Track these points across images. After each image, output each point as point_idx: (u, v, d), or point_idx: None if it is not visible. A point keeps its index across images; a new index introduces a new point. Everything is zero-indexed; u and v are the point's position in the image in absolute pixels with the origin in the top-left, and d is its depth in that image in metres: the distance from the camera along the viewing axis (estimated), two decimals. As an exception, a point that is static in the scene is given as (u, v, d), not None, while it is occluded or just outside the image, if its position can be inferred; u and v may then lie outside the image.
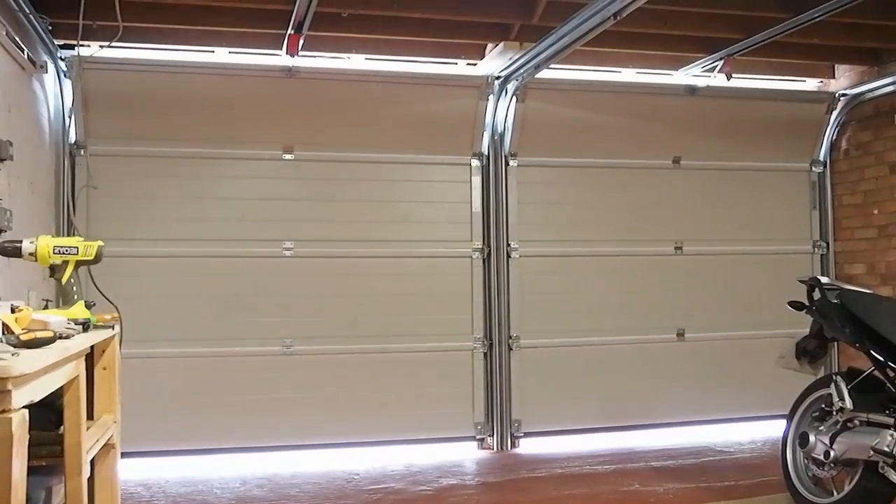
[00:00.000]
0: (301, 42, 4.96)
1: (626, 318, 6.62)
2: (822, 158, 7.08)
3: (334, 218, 6.10)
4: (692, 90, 6.57)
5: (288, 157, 5.97)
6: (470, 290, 6.34)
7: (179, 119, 5.73)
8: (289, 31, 4.93)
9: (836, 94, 6.88)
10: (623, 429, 6.60)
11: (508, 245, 6.36)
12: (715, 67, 6.13)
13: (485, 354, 6.35)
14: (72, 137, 5.48)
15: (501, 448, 6.26)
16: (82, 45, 4.85)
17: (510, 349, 6.35)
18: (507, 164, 6.35)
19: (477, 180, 6.34)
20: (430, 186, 6.31)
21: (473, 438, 6.33)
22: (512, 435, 6.31)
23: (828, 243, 7.11)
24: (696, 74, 6.38)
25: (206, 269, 5.88)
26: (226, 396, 5.88)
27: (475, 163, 6.33)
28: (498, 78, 6.15)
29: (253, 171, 5.97)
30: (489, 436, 6.31)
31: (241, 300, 5.92)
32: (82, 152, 5.52)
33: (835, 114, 6.94)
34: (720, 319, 6.80)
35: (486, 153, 6.35)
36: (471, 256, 6.35)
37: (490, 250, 6.36)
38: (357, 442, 6.20)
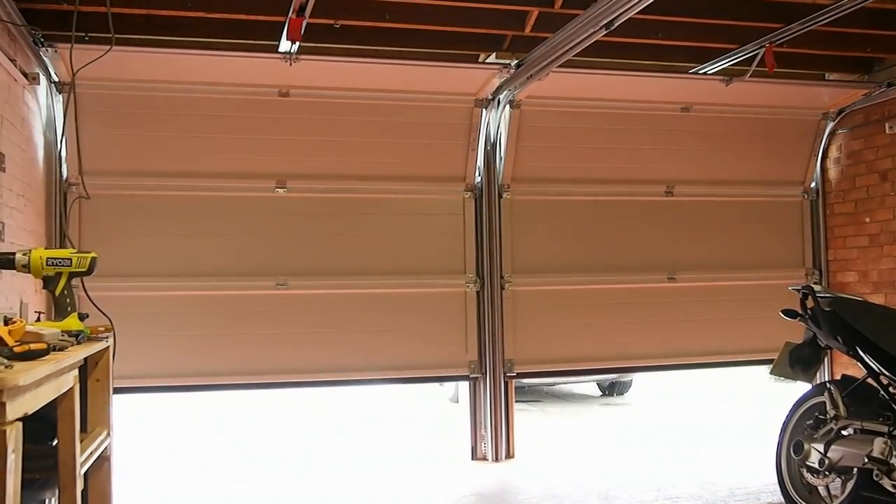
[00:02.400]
0: (304, 26, 4.75)
1: (617, 261, 6.65)
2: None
3: (329, 157, 6.06)
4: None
5: (284, 97, 5.86)
6: (462, 230, 6.36)
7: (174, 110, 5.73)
8: (290, 16, 4.71)
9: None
10: (614, 370, 6.60)
11: (500, 185, 6.36)
12: (752, 58, 5.81)
13: (477, 293, 6.36)
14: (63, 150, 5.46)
15: (497, 457, 6.24)
16: (77, 45, 4.75)
17: (502, 289, 6.35)
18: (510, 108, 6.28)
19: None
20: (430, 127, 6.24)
21: (467, 378, 6.36)
22: (505, 374, 6.32)
23: (818, 191, 7.18)
24: (726, 68, 6.15)
25: (200, 206, 5.86)
26: (218, 333, 5.89)
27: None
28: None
29: (248, 110, 5.86)
30: (481, 375, 6.31)
31: (234, 238, 5.91)
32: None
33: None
34: (711, 263, 6.85)
35: (489, 97, 6.22)
36: (463, 195, 6.36)
37: (482, 189, 6.37)
38: (351, 380, 6.31)
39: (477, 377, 6.35)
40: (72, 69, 4.57)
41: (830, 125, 6.99)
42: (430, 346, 6.28)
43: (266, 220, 6.00)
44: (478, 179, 6.38)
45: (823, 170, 7.17)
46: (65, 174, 5.53)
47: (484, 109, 6.22)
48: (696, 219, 6.86)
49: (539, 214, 6.51)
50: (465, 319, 6.35)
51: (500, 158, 6.36)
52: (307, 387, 6.35)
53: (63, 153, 5.45)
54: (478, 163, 6.35)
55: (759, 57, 5.70)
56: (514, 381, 6.44)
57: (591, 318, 6.58)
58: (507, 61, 5.75)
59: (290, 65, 5.22)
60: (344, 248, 6.13)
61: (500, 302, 6.35)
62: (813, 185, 7.18)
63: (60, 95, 5.30)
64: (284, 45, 5.06)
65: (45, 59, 4.97)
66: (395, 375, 6.36)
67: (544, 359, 6.51)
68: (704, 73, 6.20)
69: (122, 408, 4.29)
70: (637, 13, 4.46)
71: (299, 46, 5.10)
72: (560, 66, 5.32)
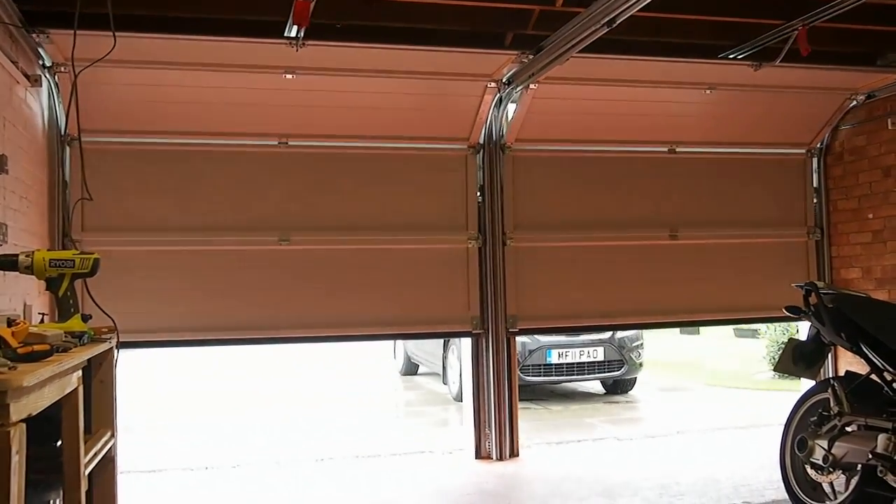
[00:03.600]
0: (311, 7, 4.48)
1: (619, 218, 6.64)
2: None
3: (331, 112, 5.98)
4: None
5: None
6: (464, 187, 6.34)
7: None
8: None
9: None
10: (615, 327, 6.58)
11: (503, 141, 6.32)
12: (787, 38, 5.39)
13: (479, 250, 6.36)
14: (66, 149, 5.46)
15: (501, 456, 6.24)
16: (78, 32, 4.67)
17: (504, 245, 6.35)
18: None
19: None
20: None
21: (469, 334, 6.37)
22: (507, 330, 6.33)
23: (822, 147, 7.14)
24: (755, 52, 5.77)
25: (201, 161, 5.83)
26: (220, 289, 5.88)
27: None
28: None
29: (253, 84, 5.68)
30: (483, 331, 6.32)
31: (236, 193, 5.88)
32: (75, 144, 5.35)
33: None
34: (712, 221, 6.86)
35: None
36: (465, 152, 6.33)
37: (484, 146, 6.34)
38: (353, 335, 6.33)
39: (479, 333, 6.35)
40: (73, 72, 4.55)
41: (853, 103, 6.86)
42: (433, 303, 6.29)
43: (269, 175, 5.97)
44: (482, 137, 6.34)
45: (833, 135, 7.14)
46: (66, 173, 5.53)
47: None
48: (699, 176, 6.85)
49: (542, 171, 6.47)
50: (467, 276, 6.35)
51: (507, 117, 6.30)
52: (309, 342, 6.35)
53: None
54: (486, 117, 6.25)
55: (792, 39, 5.38)
56: (515, 336, 6.45)
57: (593, 275, 6.60)
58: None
59: (297, 50, 5.05)
60: (346, 204, 6.10)
61: (501, 258, 6.35)
62: (819, 145, 7.13)
63: (62, 95, 5.29)
64: (291, 30, 4.87)
65: (45, 59, 4.97)
66: (397, 331, 6.45)
67: (546, 315, 6.52)
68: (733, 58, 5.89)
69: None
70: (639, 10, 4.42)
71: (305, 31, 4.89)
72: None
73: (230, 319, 5.90)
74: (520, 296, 6.39)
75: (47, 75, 5.17)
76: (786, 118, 6.87)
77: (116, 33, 4.15)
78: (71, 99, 4.46)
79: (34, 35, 4.70)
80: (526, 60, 5.55)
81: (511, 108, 6.26)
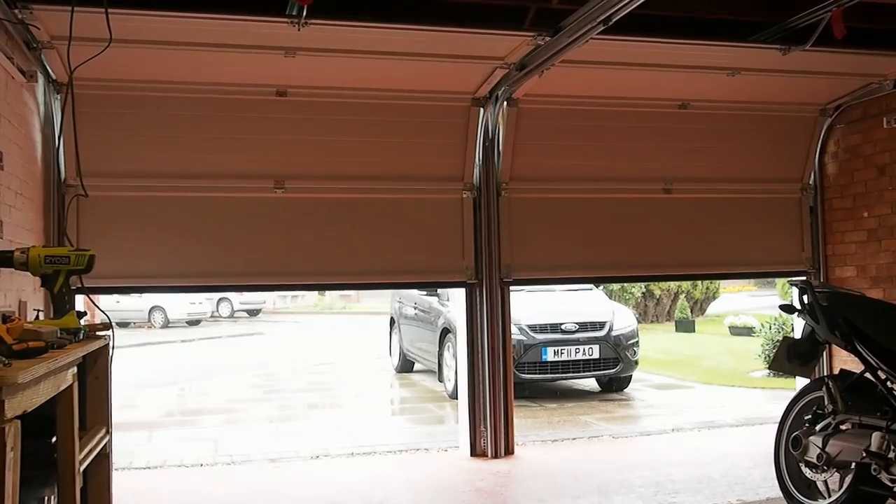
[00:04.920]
0: None
1: (614, 171, 6.63)
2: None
3: (330, 68, 5.74)
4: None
5: None
6: (464, 137, 6.26)
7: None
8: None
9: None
10: (609, 280, 6.52)
11: (498, 94, 6.16)
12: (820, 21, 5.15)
13: (475, 200, 6.35)
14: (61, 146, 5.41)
15: (496, 453, 6.25)
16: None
17: (499, 195, 6.34)
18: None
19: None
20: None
21: (464, 284, 6.36)
22: (501, 280, 6.33)
23: (836, 108, 7.01)
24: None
25: (197, 106, 5.73)
26: (214, 235, 5.86)
27: None
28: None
29: (248, 38, 5.30)
30: (477, 281, 6.31)
31: (232, 140, 5.81)
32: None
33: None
34: (706, 176, 6.85)
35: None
36: (465, 104, 6.22)
37: (485, 100, 6.22)
38: (348, 284, 6.42)
39: (473, 283, 6.35)
40: (69, 67, 4.53)
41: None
42: (428, 253, 6.30)
43: (265, 123, 5.87)
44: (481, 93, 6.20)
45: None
46: (62, 170, 5.48)
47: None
48: (695, 130, 6.78)
49: (542, 123, 6.39)
50: (462, 226, 6.34)
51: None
52: (305, 289, 6.44)
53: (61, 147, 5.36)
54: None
55: (824, 22, 5.09)
56: (510, 287, 6.42)
57: (588, 227, 6.62)
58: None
59: (299, 29, 4.77)
60: (343, 152, 6.05)
61: (496, 209, 6.34)
62: (832, 107, 6.98)
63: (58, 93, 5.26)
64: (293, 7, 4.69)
65: (41, 57, 4.95)
66: (392, 280, 6.44)
67: (540, 266, 6.55)
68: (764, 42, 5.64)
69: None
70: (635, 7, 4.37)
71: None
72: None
73: (225, 265, 5.89)
74: (514, 247, 6.39)
75: (41, 70, 5.13)
76: (801, 91, 6.75)
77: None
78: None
79: (16, 11, 4.39)
80: (542, 42, 5.19)
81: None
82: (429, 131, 6.22)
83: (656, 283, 21.12)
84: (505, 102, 6.17)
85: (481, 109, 6.24)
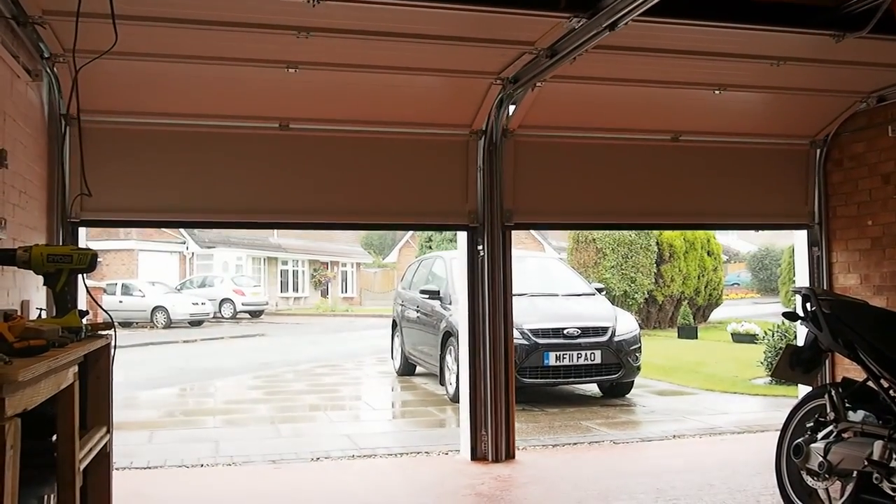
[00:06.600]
0: None
1: (621, 119, 6.52)
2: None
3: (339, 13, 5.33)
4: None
5: None
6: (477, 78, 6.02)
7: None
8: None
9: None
10: (613, 227, 6.38)
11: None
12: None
13: (479, 143, 6.27)
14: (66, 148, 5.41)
15: (497, 457, 6.23)
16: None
17: (504, 138, 6.27)
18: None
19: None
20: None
21: (466, 227, 6.33)
22: (503, 224, 6.28)
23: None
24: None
25: (202, 42, 5.30)
26: (218, 171, 5.83)
27: None
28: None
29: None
30: (480, 225, 6.26)
31: (236, 77, 5.61)
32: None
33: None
34: (715, 125, 6.76)
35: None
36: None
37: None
38: (350, 223, 6.45)
39: (475, 227, 6.32)
40: (74, 59, 4.52)
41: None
42: (431, 195, 6.27)
43: (272, 64, 5.52)
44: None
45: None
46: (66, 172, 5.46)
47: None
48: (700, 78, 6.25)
49: (553, 100, 6.14)
50: (465, 169, 6.29)
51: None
52: (307, 228, 6.35)
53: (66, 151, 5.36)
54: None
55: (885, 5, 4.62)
56: (511, 231, 6.37)
57: (593, 173, 6.57)
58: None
59: (313, 6, 4.50)
60: (350, 92, 5.89)
61: (499, 151, 6.28)
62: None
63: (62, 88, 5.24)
64: None
65: (46, 54, 4.96)
66: (395, 221, 6.40)
67: (543, 211, 6.50)
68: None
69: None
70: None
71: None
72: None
73: (225, 202, 5.88)
74: (517, 191, 6.34)
75: (47, 68, 5.13)
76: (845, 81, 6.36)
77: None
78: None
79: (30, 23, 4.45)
80: (577, 25, 4.77)
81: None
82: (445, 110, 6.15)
83: (659, 289, 21.19)
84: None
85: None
